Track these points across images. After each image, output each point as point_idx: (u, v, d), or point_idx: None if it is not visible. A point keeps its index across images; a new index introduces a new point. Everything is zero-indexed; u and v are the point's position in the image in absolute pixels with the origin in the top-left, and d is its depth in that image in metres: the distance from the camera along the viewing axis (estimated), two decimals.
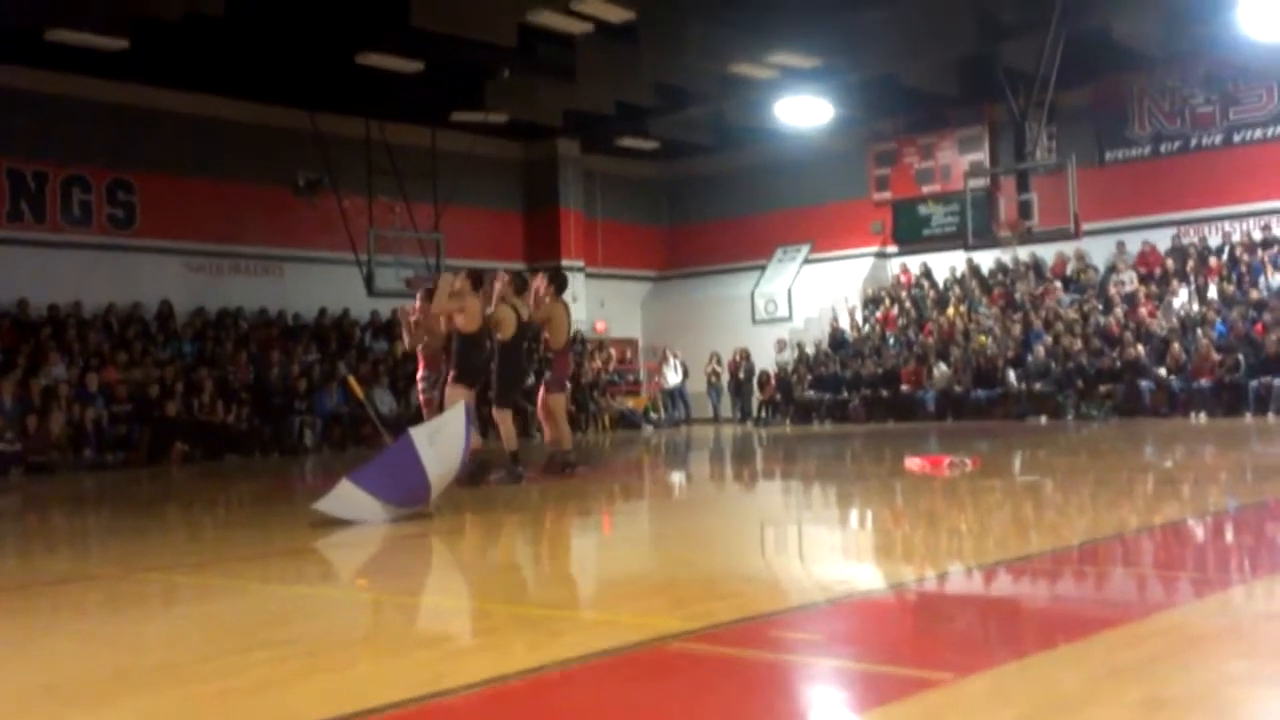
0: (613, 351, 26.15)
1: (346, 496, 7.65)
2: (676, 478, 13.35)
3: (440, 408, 9.93)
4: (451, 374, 10.22)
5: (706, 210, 28.28)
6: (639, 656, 3.77)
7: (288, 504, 9.51)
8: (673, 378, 25.16)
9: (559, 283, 11.38)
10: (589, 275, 26.98)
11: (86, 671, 3.90)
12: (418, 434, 7.97)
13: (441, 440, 7.94)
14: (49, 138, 19.22)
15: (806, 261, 26.51)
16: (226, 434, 18.03)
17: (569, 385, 12.60)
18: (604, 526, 8.60)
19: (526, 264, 26.38)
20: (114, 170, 20.27)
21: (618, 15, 17.34)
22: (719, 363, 25.04)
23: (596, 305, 27.15)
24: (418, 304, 11.39)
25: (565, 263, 26.39)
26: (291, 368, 20.11)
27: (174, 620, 5.11)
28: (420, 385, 11.16)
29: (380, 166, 22.41)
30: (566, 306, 11.45)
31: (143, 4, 15.46)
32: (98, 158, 19.98)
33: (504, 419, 10.59)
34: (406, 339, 11.62)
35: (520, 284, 10.84)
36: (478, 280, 10.53)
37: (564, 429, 11.26)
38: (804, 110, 23.43)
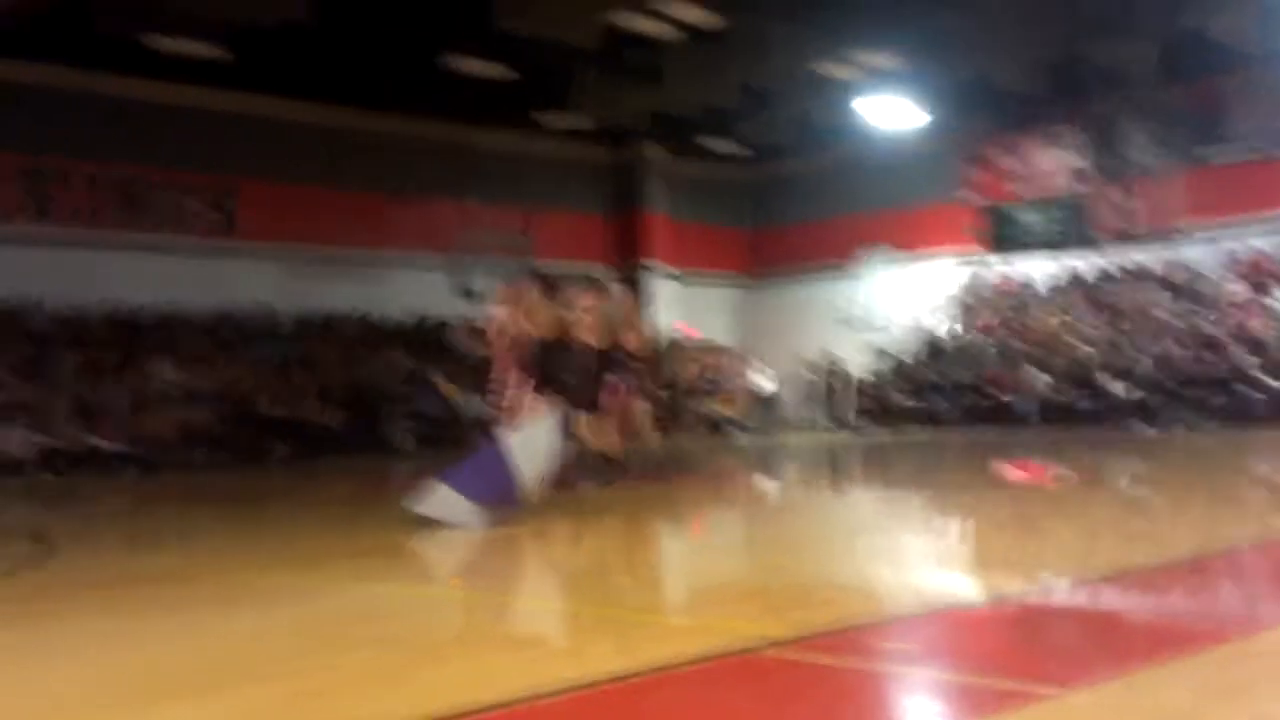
0: (703, 356, 26.09)
1: (439, 497, 7.73)
2: (767, 484, 13.27)
3: (513, 413, 9.97)
4: (524, 380, 10.26)
5: (794, 213, 28.06)
6: (731, 663, 3.73)
7: (382, 504, 9.64)
8: (763, 383, 25.02)
9: (636, 288, 11.51)
10: (676, 279, 26.96)
11: (188, 665, 3.98)
12: (509, 436, 8.04)
13: (532, 443, 8.00)
14: (155, 145, 19.76)
15: (899, 265, 26.18)
16: (324, 435, 18.37)
17: (646, 390, 12.65)
18: (694, 531, 8.57)
19: (613, 267, 26.47)
20: (215, 176, 20.78)
21: (702, 18, 17.33)
22: (811, 368, 24.83)
23: (684, 309, 27.11)
24: (498, 311, 11.46)
25: (652, 265, 26.42)
26: (385, 370, 20.43)
27: (272, 616, 5.20)
28: (494, 391, 11.12)
29: (470, 170, 22.65)
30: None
31: (239, 12, 15.81)
32: (200, 164, 20.50)
33: (592, 423, 10.63)
34: (486, 344, 11.68)
35: (603, 289, 10.96)
36: (548, 286, 10.64)
37: (647, 433, 11.27)
38: (891, 110, 23.15)
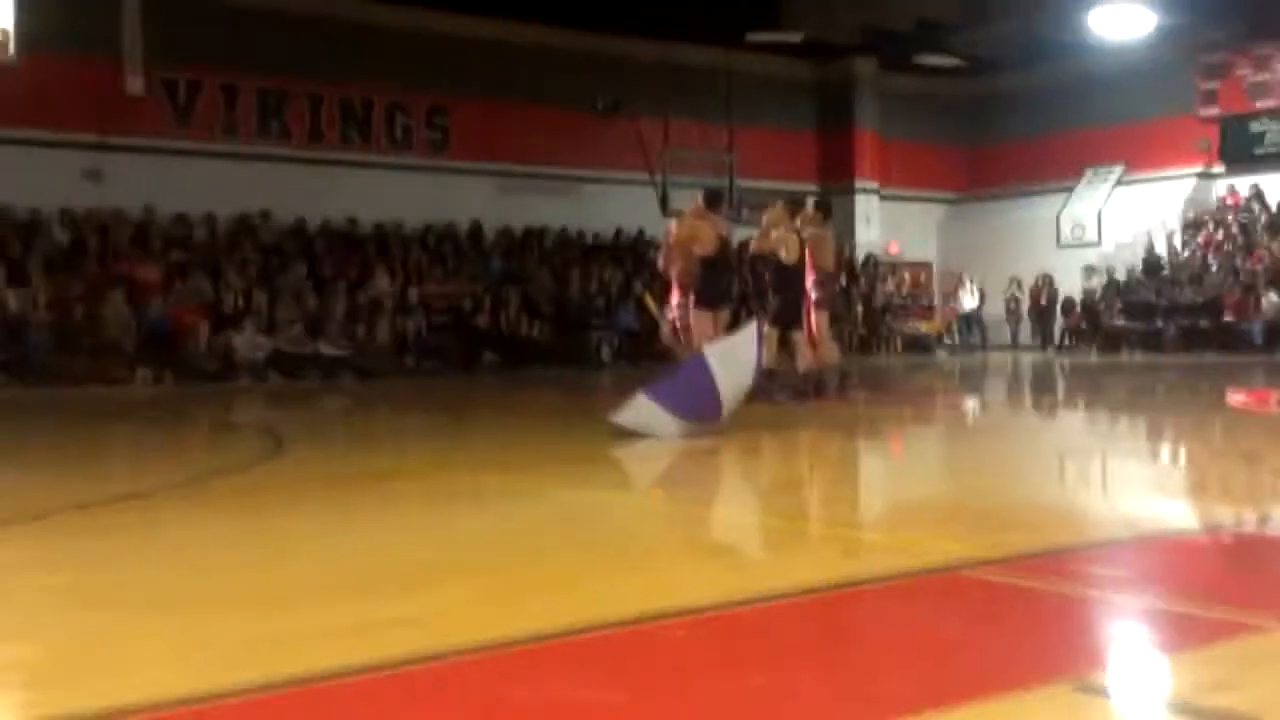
0: (906, 275, 25.57)
1: (641, 410, 7.88)
2: (970, 404, 12.99)
3: (685, 332, 10.07)
4: (693, 298, 10.29)
5: (1010, 129, 26.94)
6: (930, 581, 3.72)
7: (585, 415, 9.89)
8: (969, 302, 24.37)
9: (826, 207, 11.58)
10: (883, 197, 26.36)
11: (405, 559, 4.23)
12: (710, 351, 8.12)
13: (733, 358, 8.04)
14: (373, 67, 20.46)
15: (1119, 183, 24.88)
16: (530, 346, 18.91)
17: (836, 308, 12.59)
18: (894, 450, 8.50)
19: (819, 186, 26.08)
20: (431, 96, 21.40)
21: None
22: (1019, 288, 24.03)
23: (890, 228, 26.55)
24: (671, 228, 11.52)
25: (859, 184, 25.89)
26: (590, 285, 20.80)
27: (481, 517, 5.45)
28: (674, 309, 11.15)
29: (675, 88, 22.60)
30: (832, 231, 11.49)
31: None
32: (417, 84, 21.14)
33: (790, 339, 10.63)
34: (661, 260, 11.72)
35: (794, 209, 10.95)
36: (713, 201, 10.58)
37: (833, 349, 11.20)
38: (1122, 20, 21.81)
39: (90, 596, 3.64)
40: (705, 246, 10.06)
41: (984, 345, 24.06)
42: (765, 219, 10.93)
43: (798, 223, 10.94)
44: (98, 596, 3.63)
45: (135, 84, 17.85)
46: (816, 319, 10.95)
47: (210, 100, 19.41)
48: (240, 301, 17.04)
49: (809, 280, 10.98)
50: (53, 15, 17.20)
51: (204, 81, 19.29)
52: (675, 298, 10.77)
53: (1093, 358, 21.04)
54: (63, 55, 17.53)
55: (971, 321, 24.44)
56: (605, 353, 19.72)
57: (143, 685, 2.64)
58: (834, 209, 23.93)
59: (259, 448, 8.07)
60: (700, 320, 10.02)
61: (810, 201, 11.58)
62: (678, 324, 10.80)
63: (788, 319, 10.52)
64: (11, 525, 4.93)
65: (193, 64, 18.96)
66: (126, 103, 18.01)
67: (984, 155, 27.61)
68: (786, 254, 10.50)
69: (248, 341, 16.35)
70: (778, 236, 10.48)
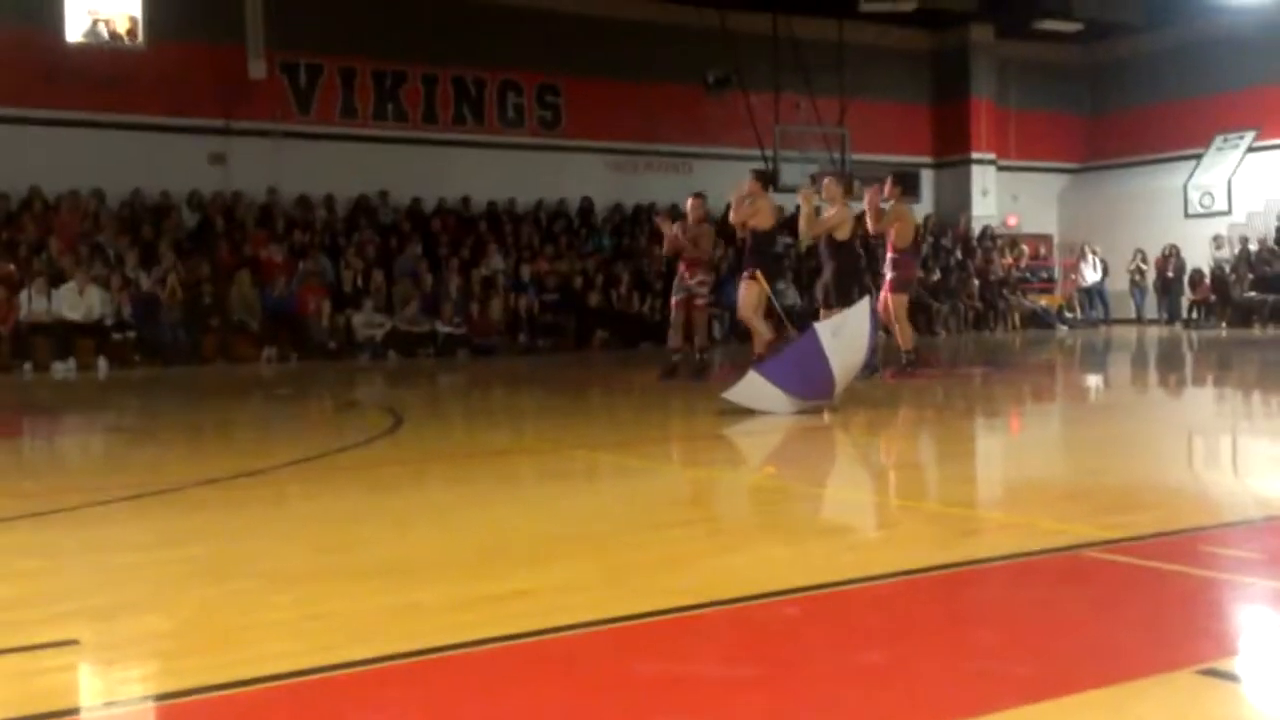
0: (1025, 247, 24.96)
1: (754, 387, 7.87)
2: (1092, 380, 12.67)
3: (719, 305, 10.41)
4: (749, 270, 10.49)
5: (1133, 96, 26.05)
6: (1053, 562, 3.66)
7: (697, 392, 9.92)
8: (1091, 275, 23.70)
9: (903, 184, 11.68)
10: (1001, 168, 25.73)
11: (523, 535, 4.30)
12: (822, 328, 8.06)
13: (846, 335, 7.97)
14: (485, 46, 20.65)
15: (1251, 149, 23.90)
16: (642, 323, 18.97)
17: (915, 286, 12.78)
18: (1012, 428, 8.35)
19: (934, 158, 25.62)
20: (543, 74, 21.54)
21: None
22: (1144, 260, 23.28)
23: (1009, 199, 25.91)
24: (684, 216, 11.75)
25: (976, 156, 25.33)
26: None
27: (595, 494, 5.52)
28: (691, 287, 11.20)
29: (786, 62, 22.35)
30: (910, 209, 11.56)
31: None
32: (528, 63, 21.28)
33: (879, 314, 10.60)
34: (665, 247, 11.98)
35: (848, 185, 11.05)
36: (765, 180, 11.07)
37: (907, 330, 11.02)
38: None
39: (219, 569, 3.79)
40: (764, 221, 10.48)
41: (1107, 319, 23.41)
42: (744, 190, 10.83)
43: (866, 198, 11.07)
44: (226, 569, 3.77)
45: (258, 68, 18.31)
46: (893, 301, 10.79)
47: (329, 83, 19.82)
48: (359, 281, 17.42)
49: (887, 259, 10.93)
50: (178, 3, 17.76)
51: (323, 65, 19.71)
52: (697, 274, 10.97)
53: (1222, 332, 20.33)
54: (188, 43, 18.07)
55: (1094, 295, 23.78)
56: (716, 329, 19.67)
57: (270, 657, 2.74)
58: (951, 180, 23.69)
59: (380, 424, 8.27)
60: (748, 290, 10.46)
61: (889, 179, 11.40)
62: (678, 300, 11.12)
63: (837, 297, 10.42)
64: (146, 499, 5.15)
65: (312, 48, 19.38)
66: (249, 87, 18.50)
67: (1106, 123, 26.76)
68: (840, 232, 10.34)
69: (366, 320, 16.72)
70: (836, 214, 10.34)
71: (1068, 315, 23.74)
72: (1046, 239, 26.21)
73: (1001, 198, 25.70)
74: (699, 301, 11.26)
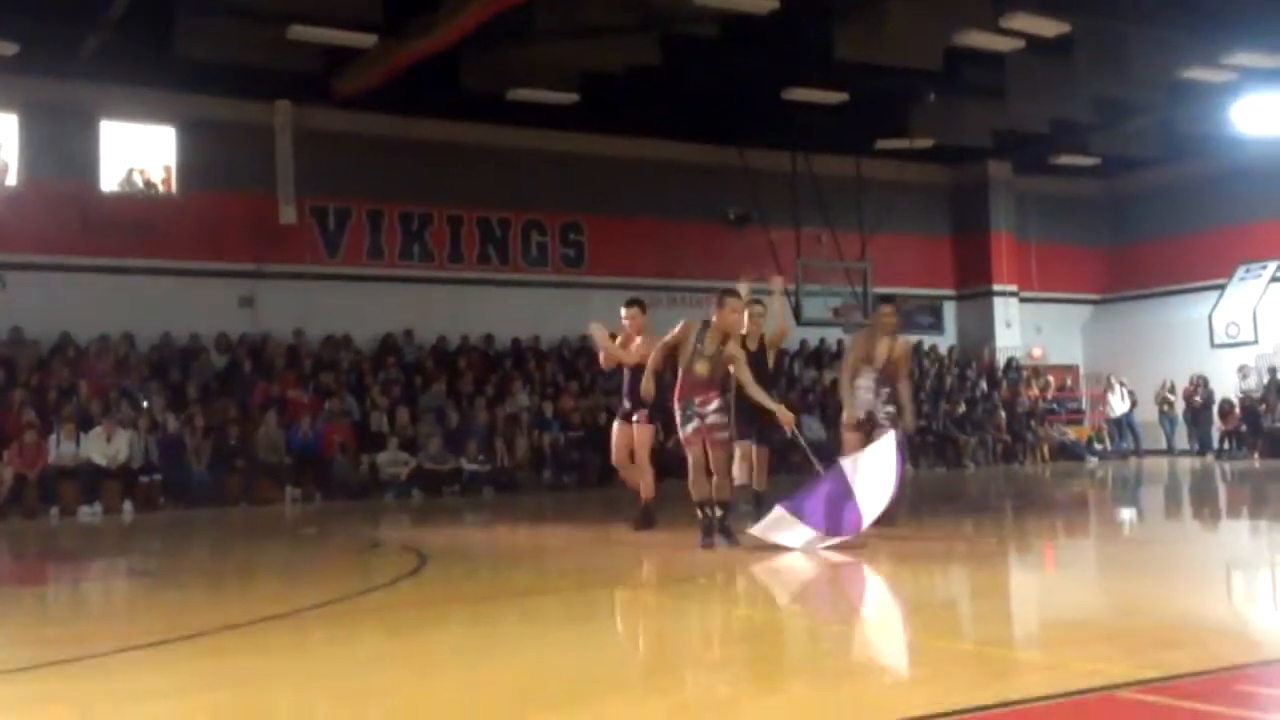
0: (1051, 379, 24.91)
1: (780, 523, 7.81)
2: (1125, 513, 12.49)
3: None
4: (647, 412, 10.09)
5: (1154, 227, 26.28)
6: (1088, 704, 3.56)
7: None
8: (1119, 406, 23.55)
9: (893, 305, 10.75)
10: (1023, 300, 25.86)
11: (552, 677, 4.22)
12: (848, 464, 8.01)
13: (872, 471, 7.92)
14: (510, 187, 21.10)
15: (1274, 279, 23.98)
16: (667, 460, 18.87)
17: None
18: (1046, 564, 8.21)
19: (957, 290, 25.77)
20: (566, 213, 21.94)
21: (1051, 28, 16.54)
22: (1172, 390, 23.16)
23: (1032, 330, 25.99)
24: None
25: (998, 288, 25.48)
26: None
27: (623, 633, 5.43)
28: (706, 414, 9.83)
29: (806, 198, 22.73)
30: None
31: (590, 59, 16.66)
32: (552, 203, 21.71)
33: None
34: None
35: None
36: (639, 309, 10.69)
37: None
38: (1269, 112, 21.23)
39: (240, 717, 3.72)
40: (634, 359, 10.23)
41: (1137, 451, 23.18)
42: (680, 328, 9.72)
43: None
44: (248, 717, 3.71)
45: (288, 213, 18.79)
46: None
47: (357, 225, 20.24)
48: (385, 421, 17.49)
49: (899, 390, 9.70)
50: (212, 155, 18.32)
51: (351, 208, 20.16)
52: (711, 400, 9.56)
53: (1255, 463, 20.09)
54: (221, 191, 18.57)
55: (1123, 426, 23.60)
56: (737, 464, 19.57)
57: None
58: (974, 312, 23.55)
59: (404, 565, 8.20)
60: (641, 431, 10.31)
61: (880, 305, 10.94)
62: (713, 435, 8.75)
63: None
64: (169, 645, 5.10)
65: (340, 193, 19.86)
66: (280, 231, 18.93)
67: (1128, 254, 26.94)
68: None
69: (391, 459, 16.73)
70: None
71: (1097, 447, 23.54)
72: (1072, 370, 26.16)
73: (1025, 329, 25.77)
74: (719, 435, 8.67)
